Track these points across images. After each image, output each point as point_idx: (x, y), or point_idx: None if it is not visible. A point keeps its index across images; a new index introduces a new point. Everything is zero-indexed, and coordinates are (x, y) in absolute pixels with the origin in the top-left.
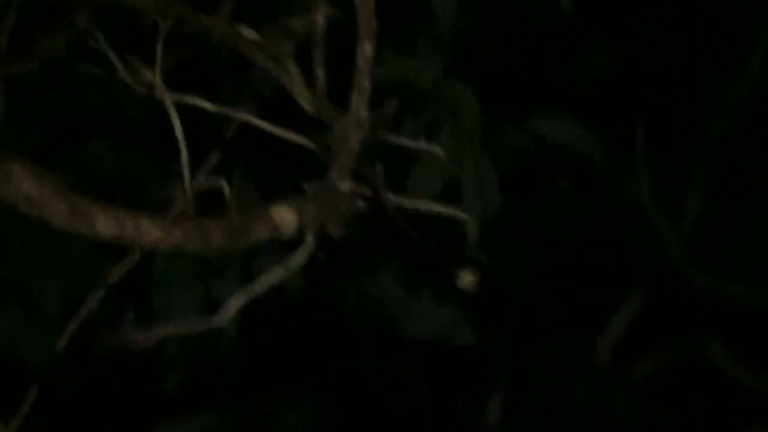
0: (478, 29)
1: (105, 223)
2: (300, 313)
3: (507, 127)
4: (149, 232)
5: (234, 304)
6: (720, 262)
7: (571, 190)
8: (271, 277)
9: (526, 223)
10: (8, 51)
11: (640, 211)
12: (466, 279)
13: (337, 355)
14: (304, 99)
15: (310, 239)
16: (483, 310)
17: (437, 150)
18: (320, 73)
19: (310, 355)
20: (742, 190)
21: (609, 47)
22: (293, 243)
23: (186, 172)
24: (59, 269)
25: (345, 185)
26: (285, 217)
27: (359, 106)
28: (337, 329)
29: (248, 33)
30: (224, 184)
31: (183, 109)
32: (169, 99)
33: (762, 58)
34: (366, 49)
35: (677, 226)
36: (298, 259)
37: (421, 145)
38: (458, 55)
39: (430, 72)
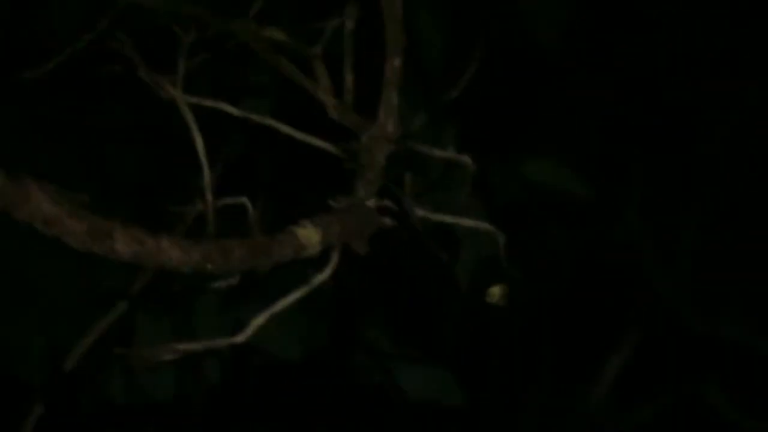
0: (465, 69)
1: (124, 244)
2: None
3: (496, 169)
4: (169, 252)
5: (257, 321)
6: (716, 303)
7: (562, 231)
8: (293, 295)
9: (516, 266)
10: (28, 53)
11: (634, 252)
12: (497, 294)
13: (324, 415)
14: (330, 105)
15: (335, 257)
16: (472, 367)
17: (466, 159)
18: (349, 78)
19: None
20: (738, 230)
21: (601, 84)
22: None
23: (208, 190)
24: (43, 325)
25: (371, 202)
26: (310, 236)
27: (387, 120)
28: (323, 389)
29: (275, 34)
30: (247, 202)
31: (205, 124)
32: (188, 109)
33: (759, 91)
34: (394, 63)
35: (672, 267)
36: (322, 276)
37: (449, 154)
38: (446, 94)
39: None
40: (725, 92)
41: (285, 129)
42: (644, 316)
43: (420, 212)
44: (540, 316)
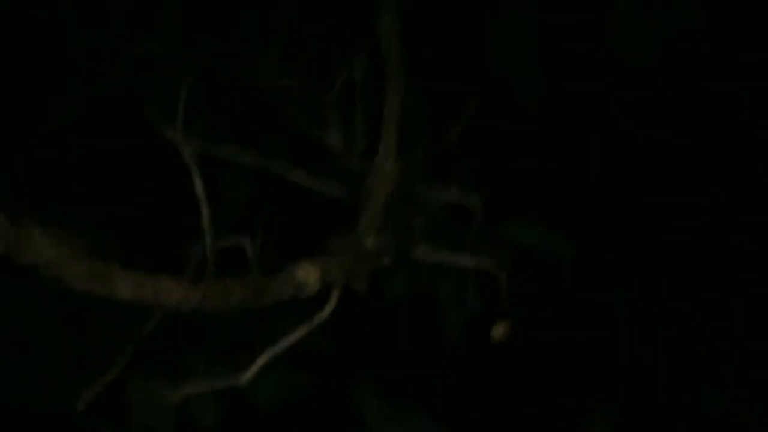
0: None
1: (125, 285)
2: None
3: (479, 232)
4: (170, 292)
5: (260, 362)
6: (700, 372)
7: (543, 295)
8: (295, 334)
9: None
10: (41, 101)
11: (615, 319)
12: (500, 331)
13: None
14: (339, 150)
15: (334, 296)
16: (460, 420)
17: (472, 198)
18: (360, 126)
19: None
20: (722, 299)
21: (583, 148)
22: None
23: (207, 231)
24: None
25: (370, 242)
26: (309, 275)
27: (386, 161)
28: None
29: (290, 82)
30: (247, 243)
31: (206, 166)
32: (191, 157)
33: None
34: (393, 102)
35: (654, 335)
36: (323, 315)
37: (455, 194)
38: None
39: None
40: (717, 155)
41: (292, 174)
42: (626, 385)
43: (420, 251)
44: (523, 381)
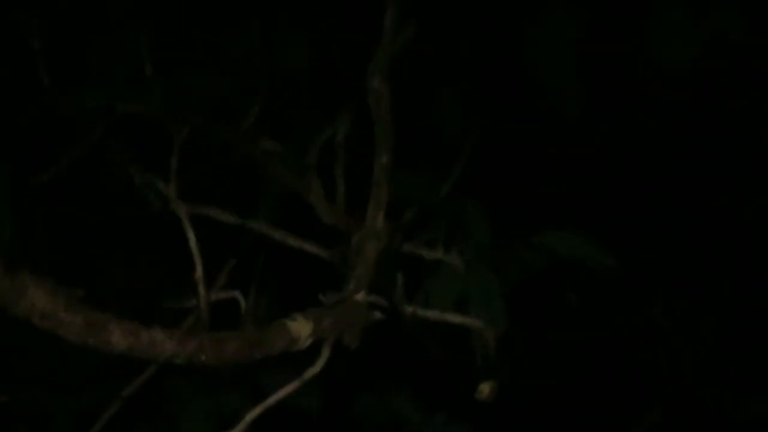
0: (484, 143)
1: (119, 337)
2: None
3: (515, 242)
4: (164, 345)
5: (248, 417)
6: (737, 379)
7: (583, 306)
8: (286, 389)
9: (537, 340)
10: (24, 161)
11: (654, 327)
12: (485, 391)
13: None
14: (322, 211)
15: (326, 351)
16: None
17: (455, 260)
18: (341, 186)
19: None
20: (759, 306)
21: (616, 160)
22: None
23: (201, 284)
24: (72, 387)
25: (362, 296)
26: (301, 329)
27: (376, 218)
28: None
29: (270, 145)
30: (239, 297)
31: (198, 219)
32: (184, 212)
33: None
34: (383, 161)
35: (693, 343)
36: (314, 370)
37: (439, 254)
38: (465, 169)
39: (439, 187)
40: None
41: (278, 235)
42: (666, 393)
43: (409, 308)
44: (562, 390)
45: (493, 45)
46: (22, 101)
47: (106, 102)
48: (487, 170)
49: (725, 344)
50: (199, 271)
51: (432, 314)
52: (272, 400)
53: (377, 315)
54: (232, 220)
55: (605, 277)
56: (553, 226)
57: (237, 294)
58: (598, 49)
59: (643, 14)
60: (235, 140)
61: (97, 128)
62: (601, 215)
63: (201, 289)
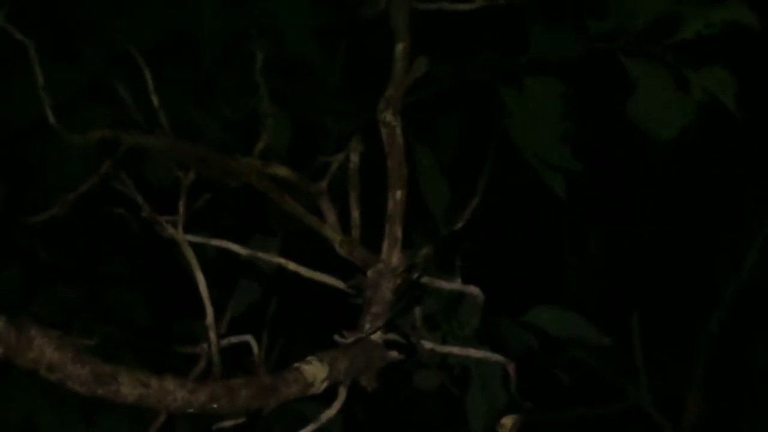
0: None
1: (129, 387)
2: None
3: (505, 322)
4: (175, 394)
5: None
6: None
7: (572, 389)
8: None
9: (528, 421)
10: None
11: (640, 410)
12: (508, 425)
13: None
14: (336, 241)
15: (342, 393)
16: None
17: (474, 289)
18: (355, 214)
19: None
20: (742, 389)
21: (601, 234)
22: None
23: (212, 329)
24: None
25: (378, 336)
26: (317, 373)
27: (391, 254)
28: None
29: (281, 171)
30: (252, 340)
31: (209, 260)
32: (190, 251)
33: (760, 250)
34: (397, 197)
35: (677, 426)
36: (330, 413)
37: (457, 285)
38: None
39: (427, 267)
40: (729, 245)
41: (292, 266)
42: None
43: (428, 345)
44: None
45: (479, 116)
46: (27, 136)
47: (113, 136)
48: (475, 245)
49: (710, 426)
50: (209, 317)
51: (452, 349)
52: None
53: (395, 355)
54: (242, 252)
55: (594, 356)
56: (543, 302)
57: (249, 338)
58: (584, 121)
59: (630, 83)
60: (243, 168)
61: (103, 163)
62: (585, 291)
63: (212, 336)
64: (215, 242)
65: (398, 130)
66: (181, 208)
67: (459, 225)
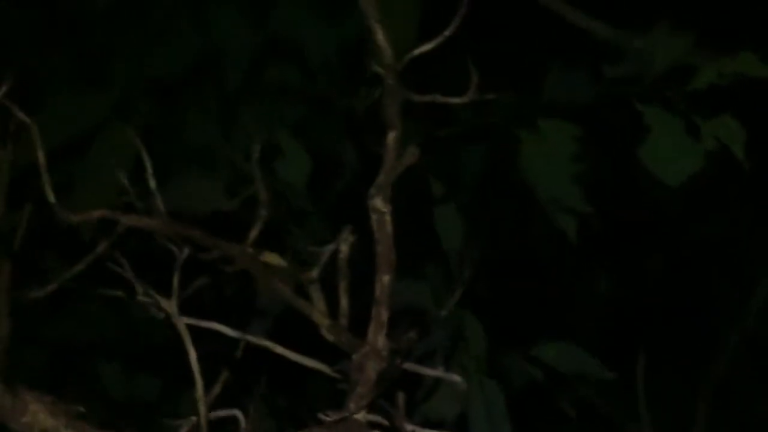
0: (483, 257)
1: None
2: None
3: (512, 356)
4: None
5: None
6: None
7: (575, 425)
8: None
9: None
10: (23, 274)
11: None
12: None
13: None
14: (324, 327)
15: None
16: None
17: (456, 378)
18: (344, 303)
19: None
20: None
21: (610, 276)
22: None
23: (201, 403)
24: None
25: (362, 416)
26: None
27: (377, 337)
28: None
29: (273, 259)
30: (239, 414)
31: (198, 335)
32: (185, 329)
33: (764, 297)
34: (384, 281)
35: None
36: None
37: (439, 372)
38: (464, 283)
39: (439, 300)
40: (733, 291)
41: (279, 350)
42: None
43: (410, 427)
44: None
45: (491, 158)
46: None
47: (110, 216)
48: (486, 281)
49: None
50: (199, 390)
51: None
52: None
53: None
54: (232, 334)
55: (598, 392)
56: (550, 337)
57: (237, 413)
58: (596, 164)
59: (641, 129)
60: (236, 254)
61: (99, 242)
62: (592, 330)
63: (201, 408)
64: (207, 324)
65: (388, 217)
66: (176, 286)
67: (468, 275)
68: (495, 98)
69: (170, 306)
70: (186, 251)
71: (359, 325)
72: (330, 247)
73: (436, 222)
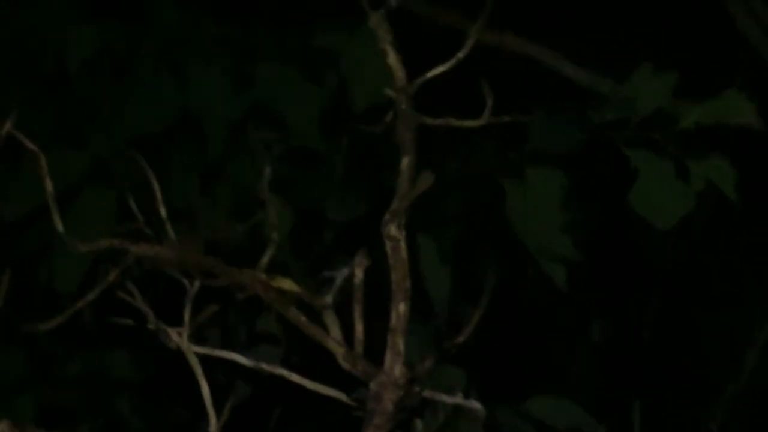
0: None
1: None
2: None
3: (504, 410)
4: None
5: None
6: None
7: None
8: None
9: None
10: (35, 307)
11: None
12: None
13: None
14: (339, 354)
15: None
16: None
17: (476, 405)
18: (359, 329)
19: None
20: None
21: (604, 325)
22: None
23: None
24: None
25: None
26: None
27: (393, 366)
28: None
29: (285, 284)
30: None
31: (211, 366)
32: (196, 361)
33: (762, 346)
34: (400, 310)
35: None
36: None
37: (459, 399)
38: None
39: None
40: (731, 338)
41: (295, 378)
42: None
43: None
44: None
45: (480, 207)
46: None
47: (120, 245)
48: (475, 332)
49: None
50: (212, 424)
51: None
52: None
53: None
54: (246, 363)
55: None
56: (537, 392)
57: None
58: (586, 210)
59: (630, 172)
60: (248, 280)
61: (110, 272)
62: (587, 378)
63: None
64: (220, 353)
65: (402, 244)
66: (187, 318)
67: (462, 339)
68: (483, 147)
69: (182, 338)
70: (197, 284)
71: (376, 358)
72: (344, 272)
73: (422, 274)
